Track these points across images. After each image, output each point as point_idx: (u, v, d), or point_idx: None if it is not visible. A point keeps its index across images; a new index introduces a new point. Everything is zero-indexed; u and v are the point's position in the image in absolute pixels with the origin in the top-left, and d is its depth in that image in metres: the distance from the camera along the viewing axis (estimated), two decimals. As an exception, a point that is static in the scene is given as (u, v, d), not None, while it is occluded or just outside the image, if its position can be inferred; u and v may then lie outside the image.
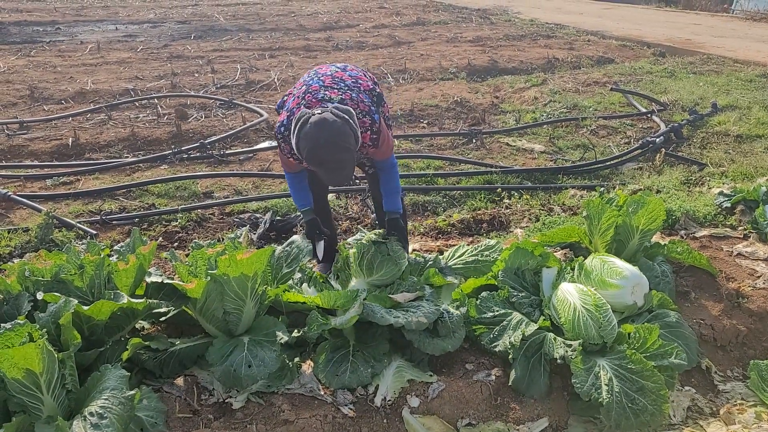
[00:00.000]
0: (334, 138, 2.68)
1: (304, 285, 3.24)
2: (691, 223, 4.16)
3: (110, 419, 2.03)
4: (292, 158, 3.02)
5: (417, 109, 7.56)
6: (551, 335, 2.82)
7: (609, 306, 2.80)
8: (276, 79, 8.81)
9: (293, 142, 2.80)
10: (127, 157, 5.99)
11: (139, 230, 3.14)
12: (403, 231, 3.40)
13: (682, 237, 3.97)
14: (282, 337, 2.74)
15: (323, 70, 3.14)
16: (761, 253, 3.67)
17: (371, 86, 3.10)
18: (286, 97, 3.15)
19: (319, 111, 2.75)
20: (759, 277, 3.45)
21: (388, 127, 3.25)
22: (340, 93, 2.94)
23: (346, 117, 2.76)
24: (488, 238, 4.33)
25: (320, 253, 3.32)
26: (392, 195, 3.34)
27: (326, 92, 2.94)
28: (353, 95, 2.96)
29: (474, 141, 6.45)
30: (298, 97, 2.99)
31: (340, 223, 4.66)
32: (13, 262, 3.26)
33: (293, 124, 2.80)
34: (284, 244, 3.27)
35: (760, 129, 6.54)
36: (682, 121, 6.74)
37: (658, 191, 4.94)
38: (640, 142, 6.11)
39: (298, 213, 4.61)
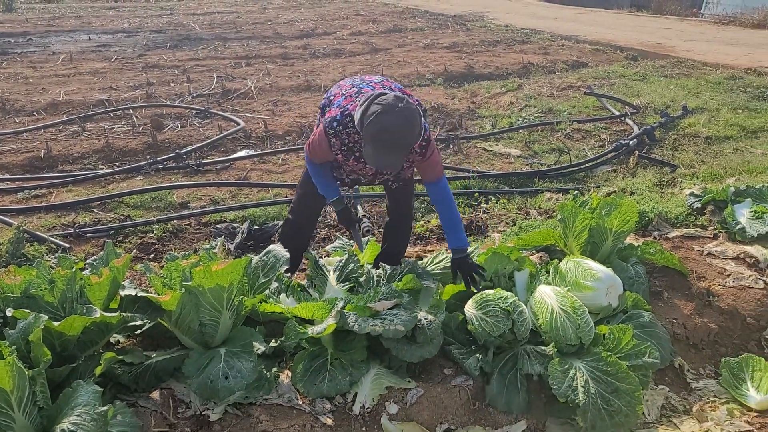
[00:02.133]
0: (407, 112, 2.71)
1: (282, 295, 3.23)
2: (664, 224, 4.23)
3: (83, 436, 2.01)
4: (341, 154, 3.03)
5: (394, 116, 7.57)
6: (529, 347, 2.85)
7: (586, 308, 2.84)
8: (253, 88, 8.78)
9: (359, 111, 2.79)
10: (102, 168, 5.92)
11: (112, 243, 3.10)
12: (471, 267, 3.17)
13: (655, 238, 4.04)
14: (259, 347, 2.73)
15: (368, 78, 3.18)
16: (730, 252, 3.75)
17: (416, 100, 3.09)
18: (332, 97, 3.16)
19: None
20: (729, 275, 3.52)
21: None
22: None
23: (415, 107, 2.79)
24: (466, 243, 4.35)
25: (362, 244, 3.15)
26: (456, 229, 3.15)
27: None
28: None
29: (451, 146, 6.49)
30: (351, 96, 3.02)
31: (319, 231, 4.66)
32: (-16, 278, 3.20)
33: (362, 102, 2.81)
34: (261, 254, 3.26)
35: (728, 130, 6.68)
36: (655, 123, 6.86)
37: (631, 193, 5.02)
38: (613, 144, 6.20)
39: (276, 222, 4.61)
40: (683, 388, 2.97)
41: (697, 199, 4.42)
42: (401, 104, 2.72)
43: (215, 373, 2.61)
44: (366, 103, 2.79)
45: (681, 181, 5.27)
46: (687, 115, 7.24)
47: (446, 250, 4.00)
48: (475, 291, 3.06)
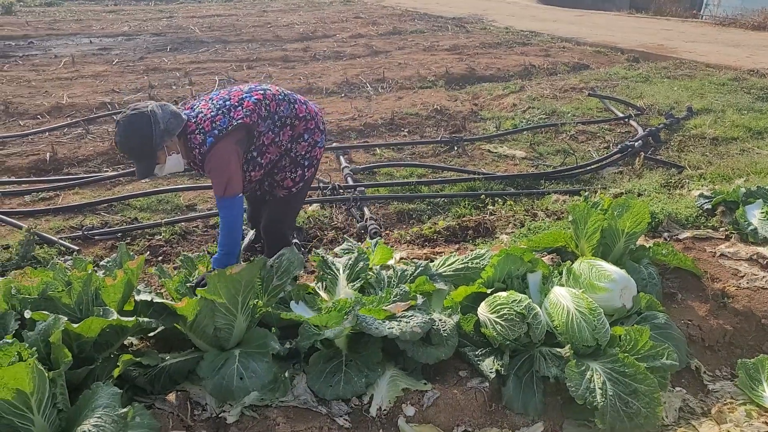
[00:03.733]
0: (126, 120, 2.95)
1: (292, 302, 3.19)
2: (674, 226, 4.22)
3: (104, 438, 1.99)
4: None
5: (397, 118, 7.58)
6: (545, 349, 2.83)
7: (601, 309, 2.82)
8: (255, 90, 8.76)
9: None
10: (107, 171, 5.90)
11: (125, 245, 3.09)
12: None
13: (666, 239, 4.03)
14: (274, 346, 2.71)
15: (241, 87, 3.35)
16: (743, 253, 3.73)
17: (242, 116, 3.12)
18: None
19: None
20: (742, 276, 3.50)
21: (257, 167, 3.28)
22: (206, 107, 3.19)
23: (150, 110, 2.96)
24: (474, 244, 4.34)
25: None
26: (221, 252, 3.08)
27: (199, 103, 3.24)
28: (211, 114, 3.12)
29: (455, 148, 6.49)
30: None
31: (326, 233, 4.64)
32: (-5, 281, 3.18)
33: None
34: (274, 256, 3.24)
35: (734, 132, 6.68)
36: (659, 125, 6.86)
37: (639, 194, 5.01)
38: (619, 146, 6.20)
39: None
40: (700, 390, 2.95)
41: (707, 201, 4.41)
42: (126, 113, 2.96)
43: (230, 374, 2.60)
44: None
45: (688, 183, 5.26)
46: (692, 117, 7.24)
47: (456, 251, 4.00)
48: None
